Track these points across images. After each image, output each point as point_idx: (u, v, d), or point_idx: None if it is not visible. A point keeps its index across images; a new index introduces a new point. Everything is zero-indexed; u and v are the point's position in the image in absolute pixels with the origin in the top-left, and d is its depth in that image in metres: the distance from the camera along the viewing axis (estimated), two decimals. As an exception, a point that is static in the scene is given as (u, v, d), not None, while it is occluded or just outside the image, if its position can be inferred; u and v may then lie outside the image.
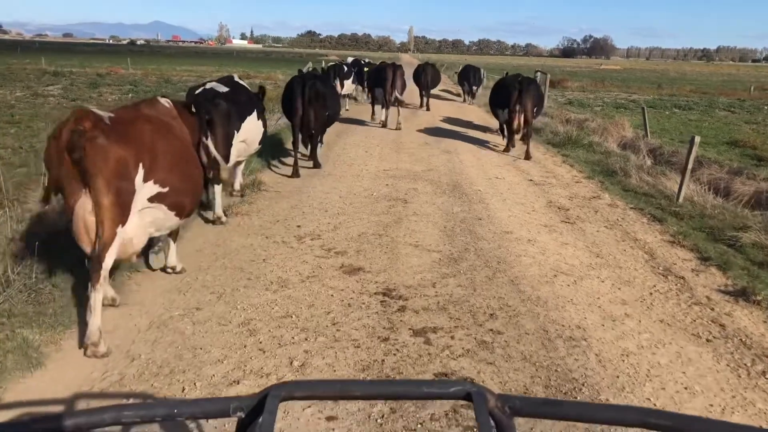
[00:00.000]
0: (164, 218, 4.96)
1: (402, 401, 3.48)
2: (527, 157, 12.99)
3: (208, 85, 7.55)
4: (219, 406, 0.92)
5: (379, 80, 17.08)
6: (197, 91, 7.39)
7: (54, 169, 4.13)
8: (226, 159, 7.03)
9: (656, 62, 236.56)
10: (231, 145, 7.28)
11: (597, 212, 8.85)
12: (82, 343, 4.37)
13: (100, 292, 4.28)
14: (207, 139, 5.94)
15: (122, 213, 4.29)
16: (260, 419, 0.87)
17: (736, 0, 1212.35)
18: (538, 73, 31.24)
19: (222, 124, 6.93)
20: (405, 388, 1.00)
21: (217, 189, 7.49)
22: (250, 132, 8.03)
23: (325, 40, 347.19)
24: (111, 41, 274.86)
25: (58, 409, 3.49)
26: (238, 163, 8.70)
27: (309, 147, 10.69)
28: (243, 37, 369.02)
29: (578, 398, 4.00)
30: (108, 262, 4.28)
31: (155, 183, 4.62)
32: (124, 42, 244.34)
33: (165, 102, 5.40)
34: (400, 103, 17.47)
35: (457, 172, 10.96)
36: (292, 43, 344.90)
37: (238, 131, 7.50)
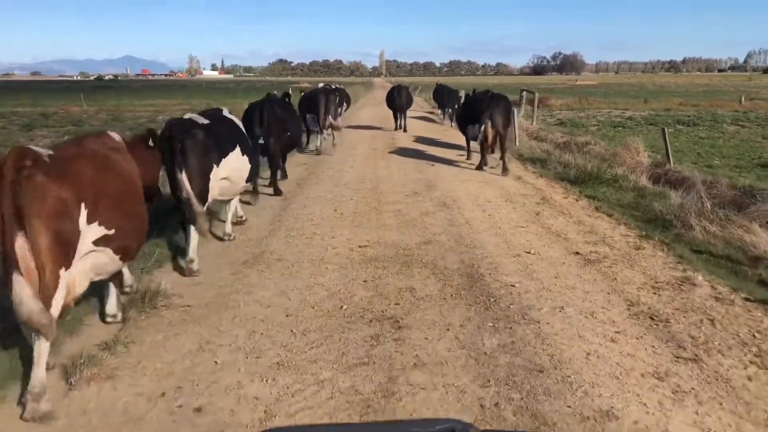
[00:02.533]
0: (108, 262, 4.67)
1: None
2: (504, 172, 12.88)
3: (186, 116, 7.12)
4: None
5: (310, 106, 15.82)
6: (173, 121, 6.80)
7: None
8: (203, 195, 6.62)
9: (627, 75, 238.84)
10: (208, 180, 6.71)
11: (715, 323, 5.22)
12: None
13: (45, 343, 3.97)
14: (181, 172, 6.19)
15: (65, 256, 4.02)
16: None
17: (700, 12, 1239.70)
18: (524, 92, 28.81)
19: (197, 156, 6.48)
20: (392, 429, 1.04)
21: (193, 232, 6.57)
22: (233, 169, 7.34)
23: (297, 68, 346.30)
24: (79, 77, 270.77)
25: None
26: (227, 201, 7.98)
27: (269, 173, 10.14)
28: (214, 67, 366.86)
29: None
30: (54, 309, 3.95)
31: (100, 225, 4.36)
32: (92, 78, 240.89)
33: (114, 136, 5.22)
34: (335, 128, 16.76)
35: (468, 244, 7.44)
36: (264, 72, 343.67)
37: (218, 166, 6.88)
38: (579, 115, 34.02)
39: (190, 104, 47.29)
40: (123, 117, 33.83)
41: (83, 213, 4.14)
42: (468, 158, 15.17)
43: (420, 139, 20.86)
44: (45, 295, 3.86)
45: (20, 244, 3.79)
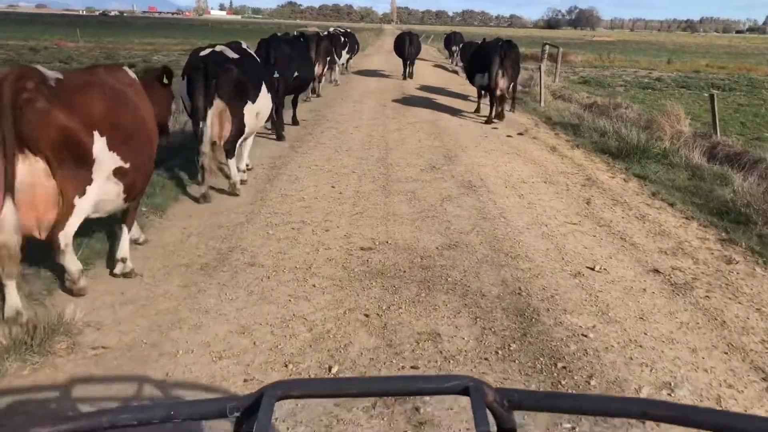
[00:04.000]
0: (112, 199, 4.35)
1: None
2: (500, 117, 13.07)
3: (217, 48, 6.69)
4: (216, 406, 0.92)
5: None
6: (202, 53, 6.55)
7: None
8: (240, 132, 6.71)
9: (643, 33, 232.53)
10: (243, 116, 6.65)
11: None
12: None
13: (71, 264, 4.14)
14: (211, 107, 6.31)
15: (77, 183, 3.87)
16: (257, 418, 0.85)
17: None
18: (547, 46, 26.39)
19: (233, 92, 6.42)
20: (401, 385, 0.98)
21: (231, 162, 6.89)
22: (262, 106, 7.25)
23: (306, 11, 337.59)
24: (84, 12, 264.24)
25: (54, 396, 3.20)
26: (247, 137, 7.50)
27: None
28: (222, 7, 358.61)
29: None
30: (68, 231, 3.93)
31: (117, 154, 4.16)
32: (97, 13, 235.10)
33: (128, 71, 4.83)
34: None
35: (508, 252, 5.47)
36: (273, 14, 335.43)
37: (253, 102, 6.83)
38: (603, 73, 31.68)
39: (191, 44, 44.96)
40: (116, 55, 32.10)
41: (99, 141, 3.98)
42: (477, 111, 14.41)
43: (433, 91, 18.82)
44: (57, 223, 3.86)
45: (23, 169, 3.64)
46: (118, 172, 4.21)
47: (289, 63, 9.89)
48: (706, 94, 24.42)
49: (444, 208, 6.67)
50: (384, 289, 4.61)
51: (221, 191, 7.11)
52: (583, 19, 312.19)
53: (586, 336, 3.98)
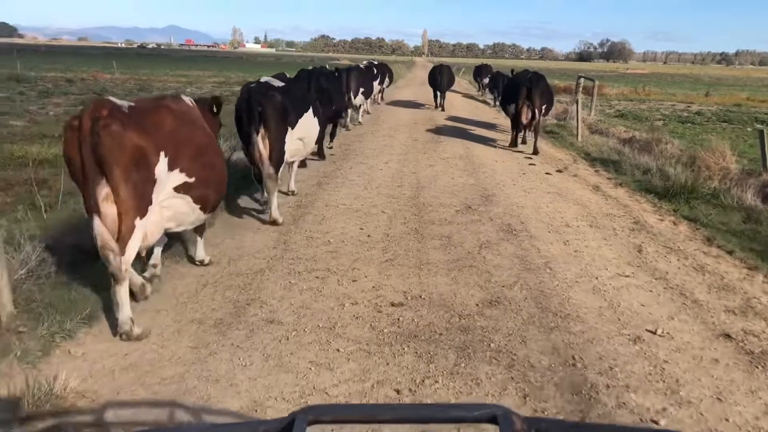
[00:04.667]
0: (188, 212, 4.81)
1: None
2: (535, 151, 13.09)
3: (262, 79, 7.26)
4: (247, 430, 0.96)
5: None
6: (251, 85, 7.04)
7: (73, 160, 3.98)
8: (281, 157, 6.96)
9: (676, 66, 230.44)
10: (284, 142, 6.95)
11: None
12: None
13: (123, 287, 4.17)
14: (257, 134, 6.65)
15: (141, 204, 4.14)
16: None
17: (755, 3, 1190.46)
18: (582, 79, 25.85)
19: (276, 119, 6.75)
20: (431, 412, 0.98)
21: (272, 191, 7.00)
22: (307, 130, 7.58)
23: (339, 44, 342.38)
24: (123, 45, 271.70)
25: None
26: (292, 164, 8.27)
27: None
28: (257, 41, 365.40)
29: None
30: (129, 254, 4.14)
31: (181, 171, 4.48)
32: (135, 45, 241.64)
33: (187, 100, 5.30)
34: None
35: (557, 311, 4.82)
36: (306, 47, 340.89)
37: (293, 128, 7.11)
38: (639, 107, 30.93)
39: (224, 77, 45.53)
40: (150, 87, 32.38)
41: (163, 161, 4.24)
42: (512, 144, 14.11)
43: (465, 123, 18.41)
44: (121, 241, 4.05)
45: (100, 191, 3.95)
46: (183, 188, 4.58)
47: (324, 94, 10.24)
48: (749, 129, 23.60)
49: (483, 256, 6.09)
50: (418, 356, 4.03)
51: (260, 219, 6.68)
52: (615, 52, 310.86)
53: (656, 423, 3.36)
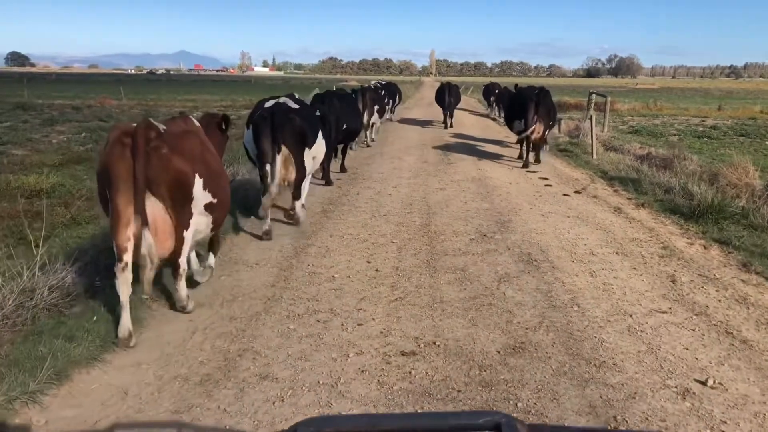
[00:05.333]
0: (203, 229, 5.09)
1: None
2: (536, 161, 13.79)
3: (281, 100, 7.36)
4: None
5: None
6: (267, 104, 7.22)
7: (120, 172, 4.22)
8: (303, 176, 7.29)
9: (686, 80, 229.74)
10: (305, 160, 7.24)
11: None
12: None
13: (183, 279, 4.91)
14: (279, 153, 6.92)
15: (185, 218, 4.60)
16: None
17: (764, 15, 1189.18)
18: (594, 95, 25.34)
19: (297, 140, 7.05)
20: (434, 421, 0.97)
21: (298, 204, 7.50)
22: (318, 149, 7.78)
23: (347, 66, 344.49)
24: (133, 71, 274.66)
25: None
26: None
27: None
28: (265, 64, 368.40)
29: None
30: (182, 261, 4.79)
31: (209, 192, 4.84)
32: (145, 72, 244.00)
33: (194, 120, 5.52)
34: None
35: (589, 357, 4.27)
36: (314, 69, 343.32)
37: (310, 148, 7.34)
38: (653, 122, 30.33)
39: (231, 100, 45.43)
40: (156, 112, 32.06)
41: (198, 181, 4.65)
42: (521, 158, 14.23)
43: (475, 142, 17.92)
44: (173, 253, 4.67)
45: (150, 205, 4.34)
46: (208, 207, 4.93)
47: (338, 115, 10.69)
48: (768, 142, 22.96)
49: (502, 292, 5.51)
50: (433, 420, 3.48)
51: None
52: (623, 67, 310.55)
53: None
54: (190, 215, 4.67)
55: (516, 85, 16.89)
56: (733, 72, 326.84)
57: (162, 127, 4.54)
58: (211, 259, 5.91)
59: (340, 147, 12.47)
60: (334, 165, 11.94)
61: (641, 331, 4.76)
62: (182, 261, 4.76)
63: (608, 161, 15.00)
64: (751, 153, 19.83)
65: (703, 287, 5.94)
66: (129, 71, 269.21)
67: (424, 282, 5.79)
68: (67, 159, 14.48)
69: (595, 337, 4.61)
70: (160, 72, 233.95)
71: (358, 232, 7.67)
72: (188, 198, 4.57)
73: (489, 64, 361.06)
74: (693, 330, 4.84)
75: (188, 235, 4.69)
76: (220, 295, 5.53)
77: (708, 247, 7.65)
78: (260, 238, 7.27)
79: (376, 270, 6.17)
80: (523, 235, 7.53)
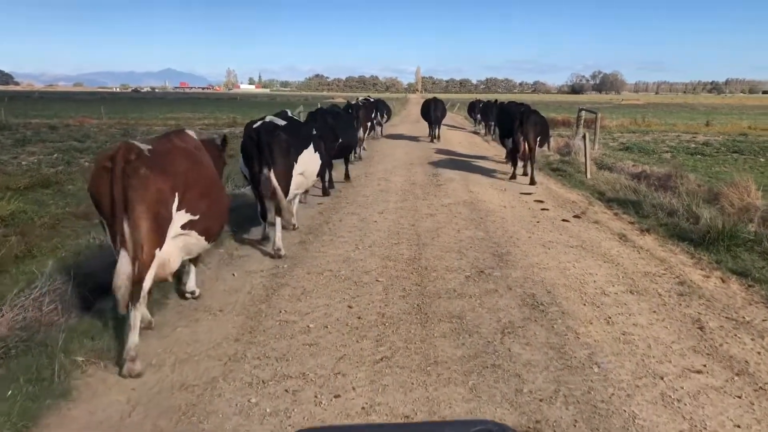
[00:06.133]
0: (195, 243, 5.12)
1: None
2: (532, 182, 13.39)
3: (267, 119, 7.55)
4: None
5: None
6: (255, 125, 7.33)
7: (104, 197, 4.27)
8: (286, 190, 7.29)
9: (669, 96, 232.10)
10: (291, 176, 7.37)
11: None
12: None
13: (138, 311, 4.44)
14: (269, 171, 7.01)
15: (159, 237, 4.46)
16: None
17: (744, 32, 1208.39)
18: (583, 111, 24.74)
19: (282, 155, 7.14)
20: (429, 429, 1.02)
21: (278, 222, 7.31)
22: (308, 165, 7.97)
23: (333, 83, 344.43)
24: (118, 89, 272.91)
25: None
26: (295, 196, 8.37)
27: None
28: (251, 81, 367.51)
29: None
30: (147, 283, 4.43)
31: (187, 212, 4.79)
32: (130, 90, 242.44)
33: (191, 133, 5.66)
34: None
35: None
36: (300, 87, 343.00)
37: (296, 162, 7.52)
38: (643, 138, 29.83)
39: (215, 118, 44.53)
40: (134, 131, 31.21)
41: (175, 201, 4.59)
42: (512, 174, 14.43)
43: (464, 160, 17.22)
44: (140, 271, 4.33)
45: (126, 226, 4.24)
46: (190, 224, 4.86)
47: (333, 131, 11.17)
48: (762, 160, 22.40)
49: (507, 348, 4.65)
50: None
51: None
52: (607, 84, 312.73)
53: None
54: (165, 235, 4.54)
55: (496, 100, 18.22)
56: (714, 88, 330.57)
57: (146, 146, 4.50)
58: (192, 277, 5.90)
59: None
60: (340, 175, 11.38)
61: (678, 400, 3.93)
62: (145, 284, 4.41)
63: (603, 181, 14.30)
64: (746, 170, 19.29)
65: (735, 335, 5.14)
66: (114, 89, 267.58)
67: (415, 335, 4.93)
68: (35, 182, 13.52)
69: (625, 411, 3.77)
70: (145, 90, 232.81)
71: (339, 268, 6.82)
72: (167, 217, 4.51)
73: (474, 81, 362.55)
74: (738, 397, 4.02)
75: (160, 256, 4.53)
76: (174, 352, 4.66)
77: (726, 280, 6.91)
78: (271, 256, 7.33)
79: (359, 318, 5.32)
80: (525, 270, 6.70)
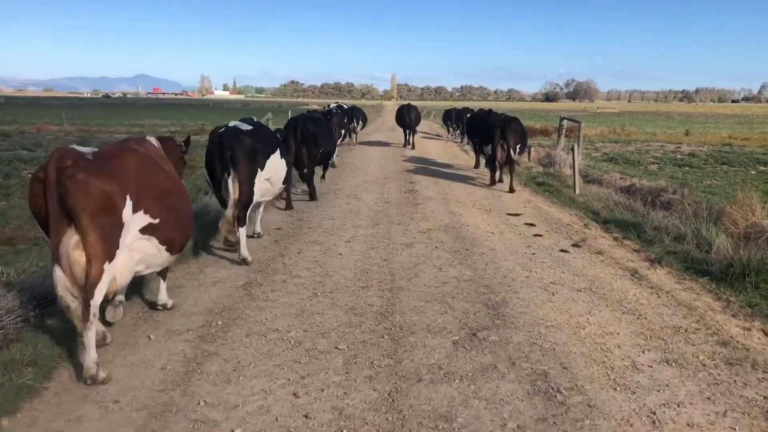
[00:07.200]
0: (155, 254, 4.87)
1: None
2: (511, 190, 13.31)
3: (231, 124, 7.45)
4: None
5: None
6: (220, 130, 7.25)
7: (41, 211, 4.02)
8: (250, 196, 7.15)
9: (642, 104, 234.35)
10: (254, 182, 7.20)
11: None
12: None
13: (91, 330, 4.14)
14: (229, 176, 6.91)
15: (109, 248, 4.18)
16: None
17: (713, 42, 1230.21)
18: (564, 120, 23.50)
19: (245, 161, 6.99)
20: None
21: (242, 231, 7.19)
22: (274, 171, 7.82)
23: (308, 90, 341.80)
24: (89, 94, 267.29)
25: None
26: (260, 204, 8.42)
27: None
28: (225, 87, 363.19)
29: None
30: (97, 299, 4.16)
31: (145, 213, 4.55)
32: (101, 95, 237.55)
33: (153, 140, 5.47)
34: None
35: None
36: (275, 93, 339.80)
37: (262, 169, 7.36)
38: (627, 149, 28.77)
39: (183, 125, 42.63)
40: (95, 138, 29.31)
41: (128, 204, 4.29)
42: (491, 181, 14.48)
43: (442, 172, 15.76)
44: (90, 285, 4.06)
45: (66, 240, 3.98)
46: (148, 229, 4.60)
47: (315, 138, 11.27)
48: (753, 172, 21.35)
49: None
50: None
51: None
52: (580, 92, 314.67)
53: None
54: (116, 244, 4.22)
55: (464, 108, 18.15)
56: (685, 96, 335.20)
57: (89, 150, 4.27)
58: (162, 290, 5.69)
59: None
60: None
61: None
62: (95, 301, 4.10)
63: (594, 197, 13.02)
64: (740, 183, 18.18)
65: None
66: (85, 95, 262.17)
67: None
68: (-43, 198, 11.84)
69: None
70: (116, 95, 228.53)
71: (288, 327, 5.26)
72: (116, 224, 4.20)
73: (449, 89, 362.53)
74: None
75: (110, 270, 4.19)
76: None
77: (766, 329, 5.58)
78: (239, 263, 7.22)
79: (306, 417, 3.77)
80: (529, 332, 5.18)
